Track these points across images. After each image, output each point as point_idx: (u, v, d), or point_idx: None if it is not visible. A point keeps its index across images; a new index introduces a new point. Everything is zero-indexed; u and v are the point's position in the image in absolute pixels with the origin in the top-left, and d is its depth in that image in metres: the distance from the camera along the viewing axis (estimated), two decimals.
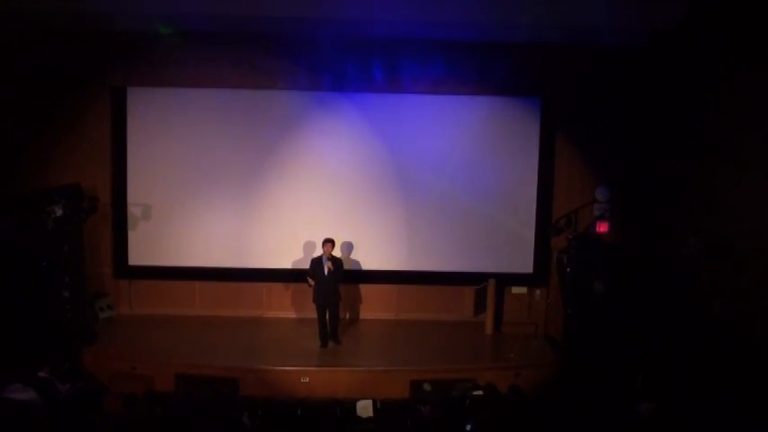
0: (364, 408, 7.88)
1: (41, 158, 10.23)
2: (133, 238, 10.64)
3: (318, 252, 9.70)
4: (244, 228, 10.65)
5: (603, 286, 9.32)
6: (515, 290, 10.59)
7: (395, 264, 10.72)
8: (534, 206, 10.64)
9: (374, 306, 10.89)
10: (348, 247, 10.54)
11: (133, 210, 10.58)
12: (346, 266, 9.98)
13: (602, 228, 9.46)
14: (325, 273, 9.42)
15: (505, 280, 10.55)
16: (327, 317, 9.60)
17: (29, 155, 10.18)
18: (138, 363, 8.99)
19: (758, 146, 8.31)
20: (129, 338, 9.85)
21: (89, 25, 9.71)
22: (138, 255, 10.67)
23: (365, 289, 10.80)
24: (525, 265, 10.72)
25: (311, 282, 9.50)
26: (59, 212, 9.05)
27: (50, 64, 9.88)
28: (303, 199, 10.58)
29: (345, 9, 9.08)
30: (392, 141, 10.55)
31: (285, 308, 10.82)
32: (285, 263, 10.62)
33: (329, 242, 9.52)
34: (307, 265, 9.79)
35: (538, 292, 10.67)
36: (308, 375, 8.81)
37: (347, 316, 10.70)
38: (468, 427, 6.73)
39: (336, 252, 9.82)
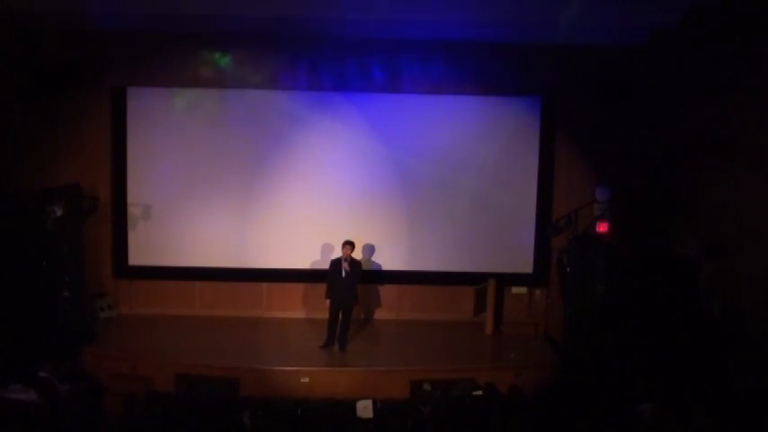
0: (364, 408, 7.87)
1: (41, 158, 10.21)
2: (133, 238, 10.62)
3: (336, 254, 9.74)
4: (244, 228, 10.64)
5: (603, 286, 9.32)
6: (515, 290, 10.58)
7: (395, 264, 10.72)
8: (534, 206, 10.64)
9: (375, 306, 10.90)
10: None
11: (133, 210, 10.57)
12: None
13: (602, 228, 9.43)
14: (342, 275, 9.46)
15: (505, 280, 10.54)
16: (340, 317, 9.56)
17: (29, 155, 10.16)
18: (138, 363, 8.97)
19: (758, 146, 8.32)
20: (129, 338, 9.84)
21: (89, 25, 9.70)
22: (138, 255, 10.66)
23: (365, 289, 10.76)
24: (525, 265, 10.72)
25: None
26: (59, 212, 9.05)
27: (50, 63, 9.87)
28: (303, 199, 10.56)
29: (345, 9, 9.08)
30: (392, 141, 10.54)
31: (285, 308, 10.81)
32: (285, 263, 10.61)
33: (348, 245, 9.50)
34: (307, 266, 9.74)
35: (538, 292, 10.66)
36: (308, 375, 8.79)
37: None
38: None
39: (356, 254, 9.80)
